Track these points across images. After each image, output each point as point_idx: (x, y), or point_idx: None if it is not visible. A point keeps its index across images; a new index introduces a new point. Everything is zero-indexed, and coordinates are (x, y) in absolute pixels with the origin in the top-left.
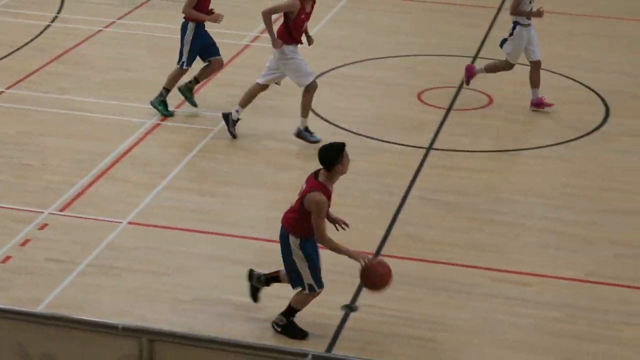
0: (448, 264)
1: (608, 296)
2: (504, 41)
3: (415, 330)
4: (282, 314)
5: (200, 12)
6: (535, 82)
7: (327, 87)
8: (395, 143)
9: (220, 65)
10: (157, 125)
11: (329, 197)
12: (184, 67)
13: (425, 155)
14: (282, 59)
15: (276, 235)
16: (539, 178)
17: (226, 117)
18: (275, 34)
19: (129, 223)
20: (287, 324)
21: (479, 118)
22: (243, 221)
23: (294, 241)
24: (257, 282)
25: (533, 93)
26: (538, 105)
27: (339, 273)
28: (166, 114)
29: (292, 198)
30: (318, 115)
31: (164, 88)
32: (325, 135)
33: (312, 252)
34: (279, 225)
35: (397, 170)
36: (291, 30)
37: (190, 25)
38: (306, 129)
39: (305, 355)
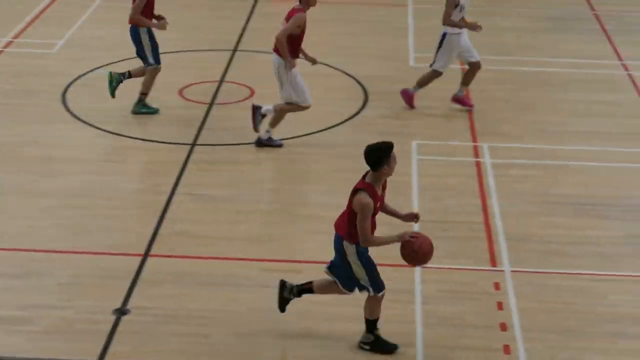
0: (218, 258)
1: None
2: (435, 58)
3: (189, 327)
4: (367, 331)
5: (146, 17)
6: (467, 81)
7: (88, 89)
8: (160, 141)
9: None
10: None
11: (376, 199)
12: (157, 66)
13: (190, 151)
14: (284, 72)
15: (42, 244)
16: (305, 165)
17: (255, 109)
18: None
19: None
20: (374, 341)
21: (241, 111)
22: (5, 232)
23: (349, 248)
24: (289, 294)
25: (460, 89)
26: (458, 101)
27: (107, 277)
28: (153, 111)
29: (59, 205)
30: (79, 119)
31: (141, 93)
32: (90, 139)
33: (369, 258)
34: (45, 234)
35: (163, 168)
36: (294, 44)
37: (142, 28)
38: (270, 138)
39: None
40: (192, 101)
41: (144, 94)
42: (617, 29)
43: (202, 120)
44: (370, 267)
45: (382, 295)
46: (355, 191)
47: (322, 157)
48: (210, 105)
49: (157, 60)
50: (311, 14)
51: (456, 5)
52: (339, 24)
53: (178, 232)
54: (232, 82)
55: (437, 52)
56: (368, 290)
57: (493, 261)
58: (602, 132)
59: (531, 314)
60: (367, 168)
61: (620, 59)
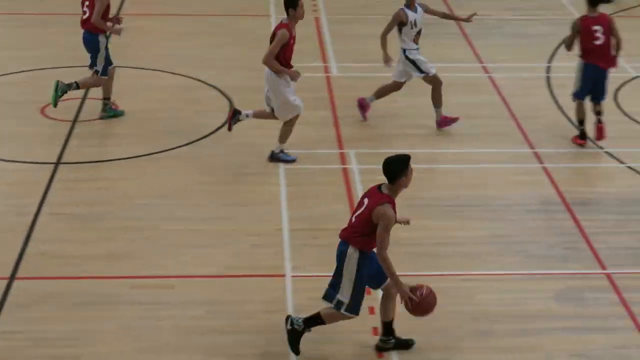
0: (87, 277)
1: (247, 287)
2: (419, 73)
3: (59, 349)
4: (305, 319)
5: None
6: (381, 93)
7: None
8: (23, 161)
9: (113, 73)
10: None
11: (395, 212)
12: (99, 75)
13: (55, 170)
14: (275, 86)
15: None
16: (170, 180)
17: (236, 112)
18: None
19: None
20: (298, 331)
21: (105, 127)
22: None
23: (352, 254)
24: (386, 343)
25: (371, 97)
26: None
27: None
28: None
29: None
30: None
31: (76, 83)
32: None
33: (365, 272)
34: None
35: (27, 189)
36: (280, 58)
37: (101, 38)
38: (282, 151)
39: None
40: (55, 119)
41: (74, 85)
42: (476, 33)
43: (66, 138)
44: (359, 285)
45: (350, 318)
46: (377, 202)
47: (188, 170)
48: (74, 122)
49: (105, 73)
50: (173, 27)
51: (402, 24)
52: (204, 36)
53: (44, 252)
54: (95, 99)
55: (417, 66)
56: (340, 307)
57: None
58: (466, 134)
59: (403, 317)
60: (231, 181)
61: (480, 61)
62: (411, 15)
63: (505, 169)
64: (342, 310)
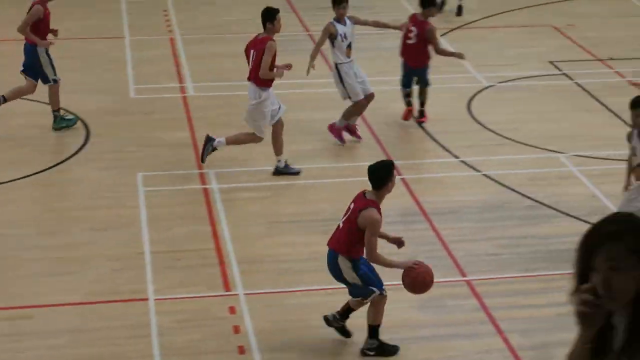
0: None
1: (109, 313)
2: (344, 93)
3: None
4: (370, 337)
5: (36, 34)
6: (347, 115)
7: None
8: None
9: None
10: None
11: (381, 216)
12: (57, 82)
13: None
14: (256, 102)
15: None
16: (25, 208)
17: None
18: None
19: None
20: (378, 346)
21: None
22: None
23: (344, 263)
24: (337, 322)
25: (340, 121)
26: (334, 131)
27: None
28: (73, 122)
29: None
30: None
31: (54, 111)
32: None
33: (365, 269)
34: None
35: None
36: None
37: (39, 49)
38: (214, 149)
39: None
40: None
41: (57, 110)
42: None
43: None
44: (367, 276)
45: (385, 297)
46: (362, 207)
47: (44, 197)
48: None
49: (56, 74)
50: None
51: (333, 37)
52: (58, 60)
53: None
54: None
55: (343, 85)
56: (371, 294)
57: (227, 286)
58: (326, 149)
59: (268, 335)
60: (89, 205)
61: None
62: (340, 28)
63: (364, 182)
64: (384, 293)
